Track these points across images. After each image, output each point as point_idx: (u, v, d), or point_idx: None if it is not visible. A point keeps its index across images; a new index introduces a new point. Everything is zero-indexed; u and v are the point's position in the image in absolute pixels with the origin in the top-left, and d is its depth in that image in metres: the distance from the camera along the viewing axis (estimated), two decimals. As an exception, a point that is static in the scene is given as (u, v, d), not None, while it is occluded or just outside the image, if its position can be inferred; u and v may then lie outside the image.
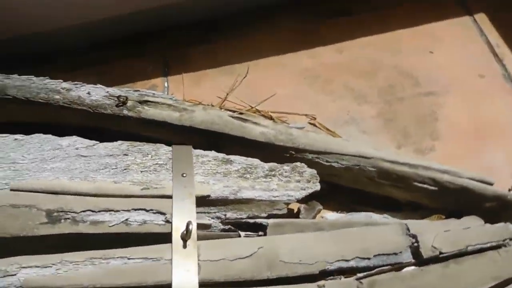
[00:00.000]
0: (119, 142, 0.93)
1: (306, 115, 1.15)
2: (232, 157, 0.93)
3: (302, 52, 1.28)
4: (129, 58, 1.31)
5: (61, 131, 0.97)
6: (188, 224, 0.76)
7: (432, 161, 0.92)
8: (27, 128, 0.97)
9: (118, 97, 1.02)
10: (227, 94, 1.21)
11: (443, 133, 1.08)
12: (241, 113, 1.14)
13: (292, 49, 1.28)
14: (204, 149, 0.96)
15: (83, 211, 0.77)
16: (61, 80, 1.05)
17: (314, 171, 0.92)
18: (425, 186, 0.90)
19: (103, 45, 1.32)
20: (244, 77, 1.24)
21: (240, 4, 1.33)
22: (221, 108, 1.16)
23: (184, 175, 0.86)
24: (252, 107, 1.17)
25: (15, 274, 0.68)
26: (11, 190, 0.78)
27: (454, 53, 1.23)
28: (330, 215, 0.95)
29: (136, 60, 1.31)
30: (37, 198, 0.77)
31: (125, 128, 1.03)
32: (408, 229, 0.82)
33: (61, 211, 0.76)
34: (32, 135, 0.92)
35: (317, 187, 0.91)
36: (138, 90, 1.05)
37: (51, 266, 0.70)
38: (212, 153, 0.93)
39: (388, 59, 1.22)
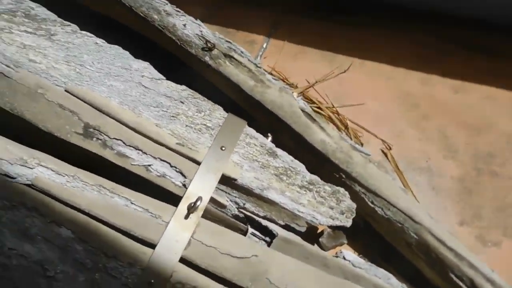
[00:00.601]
0: (183, 87, 0.91)
1: (383, 140, 1.04)
2: (279, 151, 0.87)
3: (417, 73, 1.14)
4: (243, 4, 1.27)
5: (152, 51, 0.98)
6: (198, 199, 0.73)
7: (485, 261, 0.79)
8: (127, 34, 0.99)
9: (207, 41, 0.99)
10: (316, 82, 1.13)
11: (520, 234, 0.92)
12: (318, 107, 1.06)
13: (408, 65, 1.14)
14: (259, 130, 0.91)
15: (115, 139, 0.77)
16: (167, 2, 1.04)
17: (354, 206, 0.84)
18: (461, 283, 0.77)
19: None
20: (342, 72, 1.14)
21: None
22: (301, 94, 1.09)
23: (223, 148, 0.82)
24: (333, 107, 1.08)
25: (31, 168, 0.71)
26: (65, 90, 0.80)
27: None
28: (349, 254, 0.87)
29: (248, 10, 1.26)
30: (82, 108, 0.79)
31: (200, 73, 1.01)
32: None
33: (97, 130, 0.77)
34: (112, 45, 0.93)
35: (348, 223, 0.83)
36: (230, 42, 1.01)
37: (63, 176, 0.72)
38: (262, 139, 0.88)
39: (505, 123, 1.04)
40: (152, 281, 0.68)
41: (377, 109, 1.09)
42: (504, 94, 1.07)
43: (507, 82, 1.08)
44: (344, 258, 0.86)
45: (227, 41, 1.02)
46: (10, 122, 0.76)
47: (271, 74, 1.15)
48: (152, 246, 0.70)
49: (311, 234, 0.92)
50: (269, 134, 0.96)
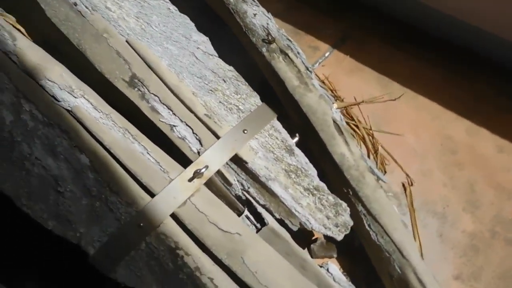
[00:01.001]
0: (231, 68, 0.97)
1: (407, 175, 1.03)
2: (297, 151, 0.91)
3: (466, 121, 1.11)
4: (319, 11, 1.31)
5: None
6: (205, 167, 0.79)
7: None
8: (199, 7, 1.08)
9: (269, 34, 1.04)
10: (362, 101, 1.14)
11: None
12: (356, 126, 1.08)
13: (459, 110, 1.12)
14: (290, 128, 0.95)
15: (153, 94, 0.85)
16: None
17: (350, 223, 0.86)
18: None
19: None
20: (391, 100, 1.15)
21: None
22: (343, 108, 1.11)
23: (245, 131, 0.87)
24: (370, 129, 1.09)
25: (75, 97, 0.81)
26: (126, 41, 0.89)
27: None
28: (333, 268, 0.88)
29: (322, 17, 1.30)
30: (135, 60, 0.87)
31: (255, 61, 1.07)
32: None
33: (140, 82, 0.85)
34: (182, 14, 1.01)
35: (339, 237, 0.85)
36: (290, 41, 1.06)
37: (99, 112, 0.81)
38: (285, 135, 0.92)
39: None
40: (142, 224, 0.75)
41: (413, 144, 1.08)
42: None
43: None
44: (327, 270, 0.88)
45: (288, 39, 1.06)
46: (72, 54, 0.87)
47: (322, 82, 1.18)
48: (152, 195, 0.77)
49: (305, 238, 0.95)
50: (297, 135, 1.00)
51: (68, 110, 0.80)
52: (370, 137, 1.08)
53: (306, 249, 0.93)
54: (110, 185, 0.76)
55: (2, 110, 0.79)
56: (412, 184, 1.02)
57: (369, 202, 0.87)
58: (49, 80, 0.81)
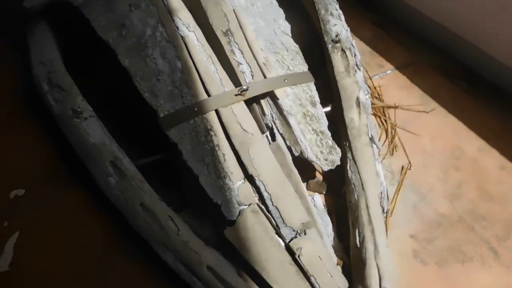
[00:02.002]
0: (296, 45, 1.36)
1: (409, 162, 1.25)
2: (319, 107, 1.24)
3: (480, 140, 1.28)
4: (396, 40, 1.61)
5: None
6: (245, 89, 1.16)
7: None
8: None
9: (339, 39, 1.41)
10: (398, 106, 1.40)
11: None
12: (384, 121, 1.35)
13: (488, 142, 1.29)
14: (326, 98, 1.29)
15: (236, 43, 1.27)
16: (337, 8, 1.50)
17: (337, 163, 1.14)
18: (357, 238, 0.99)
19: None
20: (424, 111, 1.38)
21: None
22: (376, 116, 1.39)
23: (285, 81, 1.23)
24: (394, 125, 1.35)
25: (189, 31, 1.27)
26: (233, 10, 1.34)
27: None
28: (317, 198, 1.15)
29: (398, 47, 1.60)
30: (233, 21, 1.30)
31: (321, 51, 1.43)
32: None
33: (231, 34, 1.28)
34: (279, 7, 1.44)
35: (325, 168, 1.14)
36: (353, 46, 1.40)
37: (198, 42, 1.26)
38: (315, 94, 1.27)
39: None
40: (195, 109, 1.15)
41: (426, 144, 1.29)
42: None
43: None
44: (313, 198, 1.16)
45: (352, 45, 1.41)
46: (196, 10, 1.34)
47: (374, 88, 1.48)
48: (209, 95, 1.17)
49: (308, 175, 1.23)
50: (330, 105, 1.31)
51: (182, 37, 1.26)
52: (392, 130, 1.33)
53: (305, 184, 1.22)
54: (186, 83, 1.19)
55: (146, 28, 1.29)
56: (410, 168, 1.24)
57: (355, 151, 1.14)
58: (178, 18, 1.29)
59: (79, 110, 1.26)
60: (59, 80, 1.34)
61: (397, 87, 1.48)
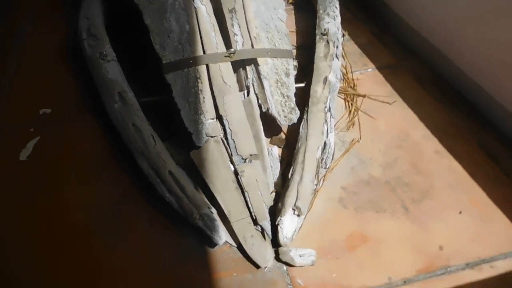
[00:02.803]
0: (287, 30, 1.63)
1: (360, 136, 1.49)
2: (292, 79, 1.50)
3: (432, 138, 1.49)
4: (388, 52, 1.86)
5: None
6: (233, 52, 1.45)
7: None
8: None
9: (326, 31, 1.68)
10: (365, 95, 1.64)
11: None
12: (352, 97, 1.59)
13: (431, 128, 1.50)
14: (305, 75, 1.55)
15: (236, 18, 1.56)
16: (336, 11, 1.78)
17: (294, 121, 1.39)
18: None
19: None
20: (387, 102, 1.61)
21: None
22: (346, 101, 1.63)
23: (268, 53, 1.50)
24: (364, 95, 1.58)
25: (201, 4, 1.58)
26: (240, -7, 1.64)
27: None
28: (274, 149, 1.41)
29: (388, 53, 1.85)
30: (239, 3, 1.60)
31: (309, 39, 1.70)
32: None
33: (234, 11, 1.58)
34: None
35: (283, 123, 1.39)
36: (338, 41, 1.66)
37: (207, 14, 1.56)
38: (291, 68, 1.52)
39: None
40: (191, 61, 1.44)
41: (379, 127, 1.52)
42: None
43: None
44: (271, 149, 1.41)
45: (337, 39, 1.67)
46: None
47: (352, 80, 1.72)
48: (204, 53, 1.46)
49: (275, 133, 1.49)
50: (304, 82, 1.57)
51: (195, 7, 1.57)
52: (355, 112, 1.57)
53: (269, 139, 1.48)
54: (189, 42, 1.49)
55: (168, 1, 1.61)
56: (359, 141, 1.47)
57: (310, 114, 1.39)
58: (195, -7, 1.60)
59: (105, 53, 1.59)
60: (96, 31, 1.69)
61: (372, 82, 1.71)
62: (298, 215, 1.17)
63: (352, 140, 1.48)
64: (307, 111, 1.41)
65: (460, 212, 1.25)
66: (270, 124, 1.45)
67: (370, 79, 1.73)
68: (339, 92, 1.63)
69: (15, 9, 2.27)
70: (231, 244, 1.18)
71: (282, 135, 1.49)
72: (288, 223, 1.15)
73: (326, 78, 1.50)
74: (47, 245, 1.20)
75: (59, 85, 1.74)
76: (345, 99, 1.63)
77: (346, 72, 1.75)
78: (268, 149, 1.39)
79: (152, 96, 1.55)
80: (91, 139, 1.50)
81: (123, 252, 1.18)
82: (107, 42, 1.64)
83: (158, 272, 1.13)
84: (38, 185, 1.36)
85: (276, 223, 1.15)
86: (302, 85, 1.57)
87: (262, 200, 1.20)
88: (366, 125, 1.53)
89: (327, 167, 1.35)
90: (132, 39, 1.76)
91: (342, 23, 1.86)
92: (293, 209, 1.16)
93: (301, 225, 1.19)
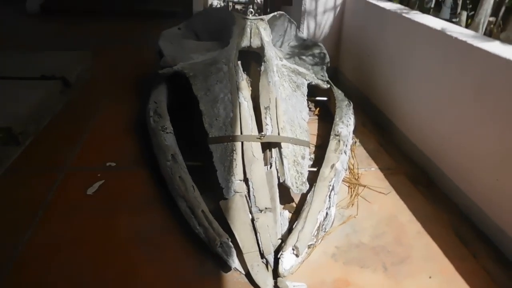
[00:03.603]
0: (306, 128, 2.09)
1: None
2: (305, 163, 1.90)
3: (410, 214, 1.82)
4: (391, 151, 2.27)
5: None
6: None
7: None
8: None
9: (339, 132, 2.13)
10: (365, 185, 2.01)
11: None
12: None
13: (414, 216, 1.84)
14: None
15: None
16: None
17: (304, 191, 1.76)
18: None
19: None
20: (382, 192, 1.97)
21: None
22: (349, 188, 2.02)
23: (290, 140, 1.94)
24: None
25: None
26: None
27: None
28: (286, 212, 1.76)
29: (392, 154, 2.26)
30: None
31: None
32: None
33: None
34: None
35: (296, 191, 1.76)
36: (347, 142, 2.10)
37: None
38: (306, 162, 1.93)
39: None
40: (230, 138, 1.89)
41: (374, 209, 1.85)
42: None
43: None
44: (283, 211, 1.77)
45: (347, 140, 2.11)
46: (256, 92, 2.17)
47: (355, 174, 2.11)
48: (241, 133, 1.92)
49: (289, 200, 1.85)
50: (317, 167, 1.97)
51: (239, 102, 2.07)
52: (356, 196, 1.93)
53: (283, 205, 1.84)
54: (231, 124, 1.95)
55: (221, 93, 2.13)
56: (355, 217, 1.80)
57: (317, 187, 1.76)
58: (241, 93, 2.12)
59: (165, 127, 2.08)
60: (160, 111, 2.21)
61: (373, 178, 2.09)
62: (297, 255, 1.48)
63: (350, 215, 1.81)
64: (315, 185, 1.79)
65: (430, 277, 1.52)
66: (285, 195, 1.83)
67: (372, 175, 2.12)
68: (345, 181, 2.01)
69: (95, 90, 2.90)
70: (240, 272, 1.49)
71: (293, 204, 1.85)
72: (288, 258, 1.46)
73: (333, 165, 1.90)
74: (103, 251, 1.56)
75: (124, 146, 2.23)
76: (349, 187, 2.00)
77: (353, 168, 2.15)
78: (280, 212, 1.75)
79: (194, 162, 1.97)
80: (142, 185, 1.92)
81: (157, 265, 1.51)
82: (167, 120, 2.14)
83: (182, 284, 1.44)
84: (99, 212, 1.74)
85: (278, 256, 1.46)
86: (315, 169, 1.96)
87: (270, 240, 1.53)
88: (363, 206, 1.87)
89: (326, 231, 1.68)
90: (184, 121, 2.26)
91: (355, 132, 2.32)
92: (292, 248, 1.48)
93: (298, 265, 1.49)
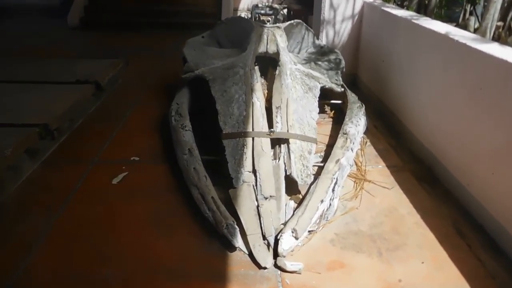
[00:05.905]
0: (314, 126, 2.22)
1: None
2: (311, 158, 2.03)
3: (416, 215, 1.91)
4: (399, 151, 2.37)
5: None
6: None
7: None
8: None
9: (347, 131, 2.25)
10: (370, 181, 2.11)
11: None
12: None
13: (421, 212, 1.93)
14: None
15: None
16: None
17: (308, 182, 1.89)
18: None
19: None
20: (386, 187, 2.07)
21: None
22: (355, 182, 2.13)
23: (298, 137, 2.08)
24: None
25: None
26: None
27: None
28: (292, 202, 1.90)
29: (400, 153, 2.36)
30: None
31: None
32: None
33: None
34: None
35: (300, 182, 1.89)
36: (355, 139, 2.22)
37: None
38: (312, 157, 2.07)
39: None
40: (242, 134, 2.05)
41: (376, 202, 1.95)
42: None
43: None
44: (289, 201, 1.90)
45: (355, 138, 2.23)
46: (269, 93, 2.32)
47: (361, 171, 2.21)
48: (253, 130, 2.07)
49: (295, 190, 1.98)
50: (324, 163, 2.09)
51: (253, 102, 2.23)
52: (360, 189, 2.04)
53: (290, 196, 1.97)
54: (244, 122, 2.11)
55: (236, 94, 2.30)
56: (357, 208, 1.91)
57: (320, 180, 1.88)
58: (255, 94, 2.28)
59: (185, 125, 2.26)
60: (181, 111, 2.40)
61: (379, 174, 2.19)
62: (296, 238, 1.61)
63: (352, 207, 1.92)
64: (319, 178, 1.91)
65: (423, 262, 1.61)
66: (293, 188, 1.96)
67: (378, 172, 2.22)
68: (351, 177, 2.12)
69: (126, 94, 3.14)
70: (244, 251, 1.63)
71: (300, 195, 1.98)
72: (287, 239, 1.59)
73: (338, 160, 2.02)
74: (123, 229, 1.77)
75: (147, 143, 2.44)
76: (354, 182, 2.12)
77: (361, 165, 2.26)
78: (287, 202, 1.88)
79: (208, 156, 2.13)
80: (161, 177, 2.11)
81: (169, 242, 1.69)
82: (187, 119, 2.33)
83: (191, 259, 1.60)
84: (121, 198, 1.94)
85: (278, 237, 1.60)
86: (321, 164, 2.09)
87: (272, 224, 1.67)
88: (366, 199, 1.98)
89: (327, 219, 1.80)
90: (201, 122, 2.44)
91: (367, 133, 2.43)
92: (292, 231, 1.61)
93: (296, 246, 1.62)
